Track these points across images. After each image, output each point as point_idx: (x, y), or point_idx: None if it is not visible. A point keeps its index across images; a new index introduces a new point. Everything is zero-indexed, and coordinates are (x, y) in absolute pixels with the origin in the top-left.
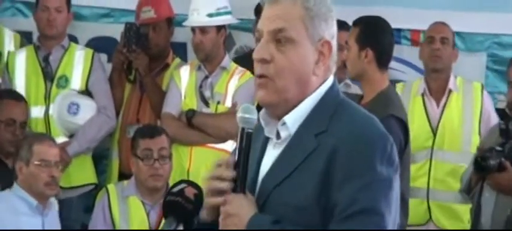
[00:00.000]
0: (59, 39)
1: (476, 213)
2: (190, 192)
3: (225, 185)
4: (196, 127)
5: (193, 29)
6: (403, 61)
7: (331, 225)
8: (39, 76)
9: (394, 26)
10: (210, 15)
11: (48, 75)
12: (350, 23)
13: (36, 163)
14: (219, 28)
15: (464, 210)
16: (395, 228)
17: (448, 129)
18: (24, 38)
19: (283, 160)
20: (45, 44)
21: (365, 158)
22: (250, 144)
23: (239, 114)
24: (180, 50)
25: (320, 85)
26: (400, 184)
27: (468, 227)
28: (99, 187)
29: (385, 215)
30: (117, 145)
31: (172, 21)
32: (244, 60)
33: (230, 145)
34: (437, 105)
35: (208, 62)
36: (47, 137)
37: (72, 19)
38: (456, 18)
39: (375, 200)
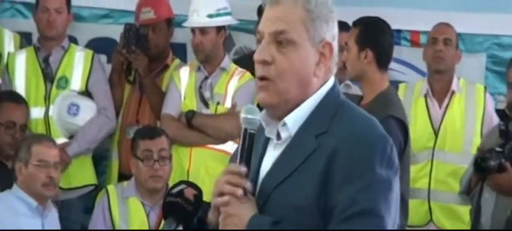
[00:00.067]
0: (59, 40)
1: (476, 214)
2: (189, 193)
3: (240, 192)
4: (196, 128)
5: (193, 30)
6: (402, 62)
7: (331, 226)
8: (39, 77)
9: (393, 26)
10: (210, 16)
11: (48, 76)
12: (350, 23)
13: (34, 163)
14: (219, 29)
15: (465, 211)
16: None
17: (450, 130)
18: (24, 39)
19: (283, 160)
20: (45, 45)
21: (365, 160)
22: (253, 145)
23: (242, 115)
24: (180, 51)
25: (321, 86)
26: (399, 184)
27: (469, 228)
28: (99, 187)
29: (385, 216)
30: (117, 146)
31: (171, 22)
32: (244, 61)
33: (230, 146)
34: (440, 106)
35: (208, 63)
36: (46, 138)
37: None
38: (456, 19)
39: (374, 202)
